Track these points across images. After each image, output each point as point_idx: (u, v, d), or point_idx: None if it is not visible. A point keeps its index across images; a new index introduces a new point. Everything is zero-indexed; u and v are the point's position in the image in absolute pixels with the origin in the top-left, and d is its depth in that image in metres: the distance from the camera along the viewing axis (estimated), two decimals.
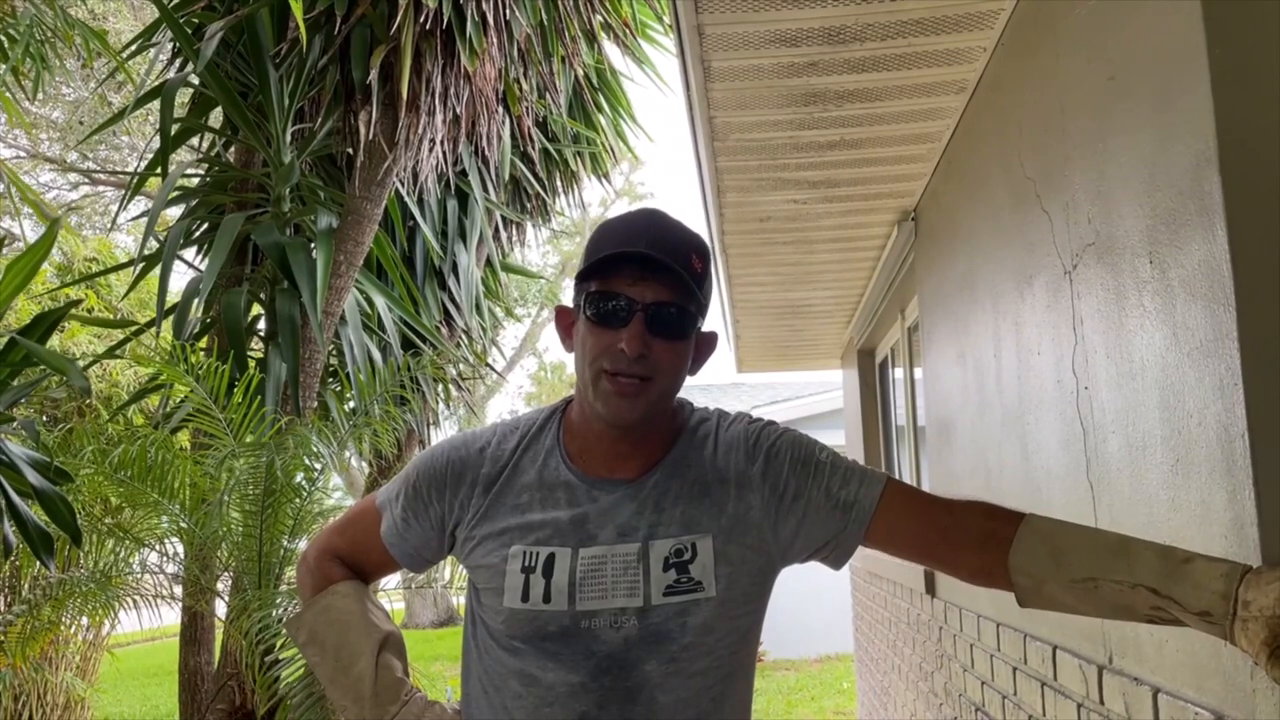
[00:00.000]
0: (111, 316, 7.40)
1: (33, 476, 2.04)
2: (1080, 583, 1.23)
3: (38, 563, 3.63)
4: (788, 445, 1.41)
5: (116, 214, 4.90)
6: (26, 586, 5.57)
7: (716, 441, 1.42)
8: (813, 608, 11.18)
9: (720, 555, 1.33)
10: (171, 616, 3.79)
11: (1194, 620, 1.15)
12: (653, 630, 1.29)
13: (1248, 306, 1.49)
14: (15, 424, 2.20)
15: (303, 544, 3.42)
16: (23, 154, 13.16)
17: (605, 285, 1.31)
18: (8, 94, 3.74)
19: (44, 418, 6.62)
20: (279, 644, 2.88)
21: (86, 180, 13.67)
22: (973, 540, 1.34)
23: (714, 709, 1.33)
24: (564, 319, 1.41)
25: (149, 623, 3.58)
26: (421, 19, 3.81)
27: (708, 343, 1.44)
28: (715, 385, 17.09)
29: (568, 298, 1.44)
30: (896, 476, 6.51)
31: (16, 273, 2.11)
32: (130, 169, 12.31)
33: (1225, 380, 1.53)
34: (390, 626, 1.49)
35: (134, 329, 4.76)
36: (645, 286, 1.30)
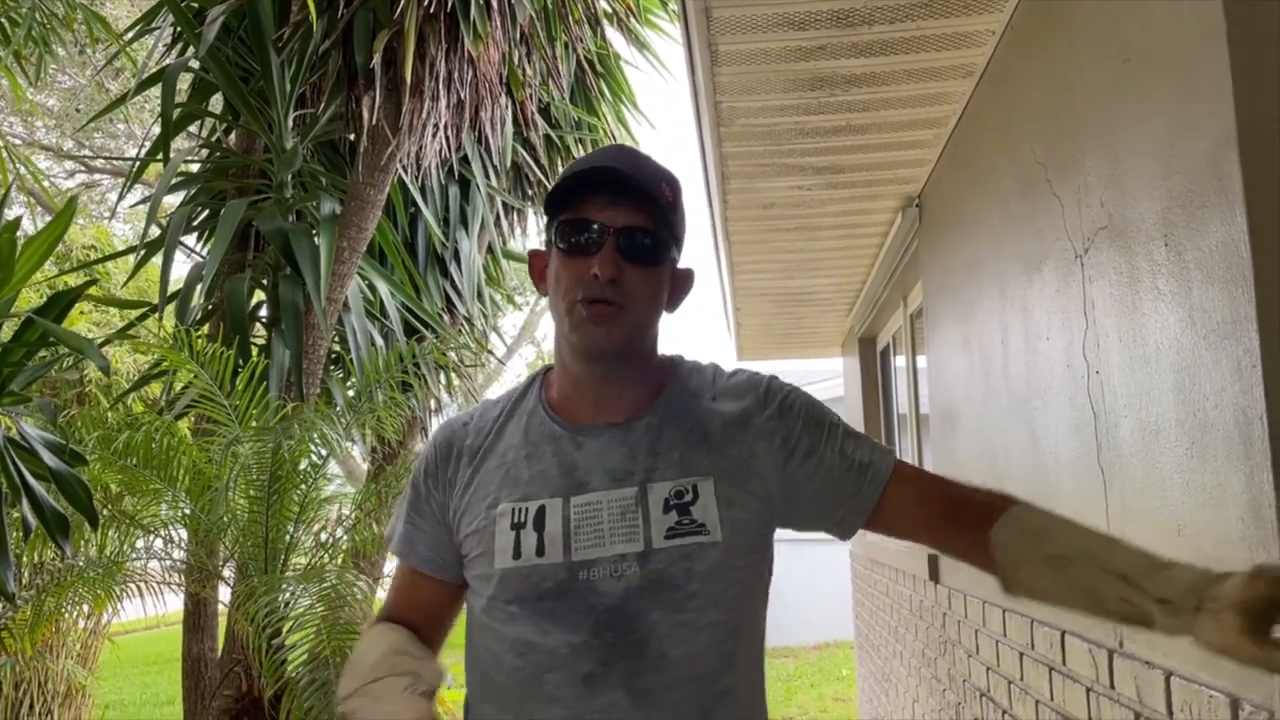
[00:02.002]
0: (117, 313, 7.39)
1: (49, 458, 2.02)
2: (1054, 559, 1.20)
3: (37, 553, 3.63)
4: (802, 402, 1.37)
5: (118, 201, 4.89)
6: (27, 575, 5.58)
7: (716, 387, 1.37)
8: (811, 596, 11.22)
9: (723, 498, 1.27)
10: (172, 604, 3.79)
11: (1155, 608, 1.12)
12: (655, 576, 1.23)
13: (1267, 288, 1.48)
14: (33, 403, 2.18)
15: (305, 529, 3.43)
16: (18, 141, 13.10)
17: (575, 214, 1.29)
18: (9, 74, 3.71)
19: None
20: (285, 629, 2.89)
21: (83, 168, 13.62)
22: (972, 516, 1.30)
23: (725, 667, 1.26)
24: (538, 261, 1.39)
25: (151, 610, 3.58)
26: (425, 3, 3.78)
27: (685, 279, 1.40)
28: None
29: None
30: None
31: (34, 250, 2.09)
32: (128, 156, 12.26)
33: (1243, 362, 1.52)
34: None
35: (141, 313, 4.74)
36: (616, 211, 1.27)
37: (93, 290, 6.05)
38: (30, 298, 6.34)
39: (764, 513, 1.31)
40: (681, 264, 1.41)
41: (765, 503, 1.31)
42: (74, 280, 7.61)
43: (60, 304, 2.26)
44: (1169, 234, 1.80)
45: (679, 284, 1.39)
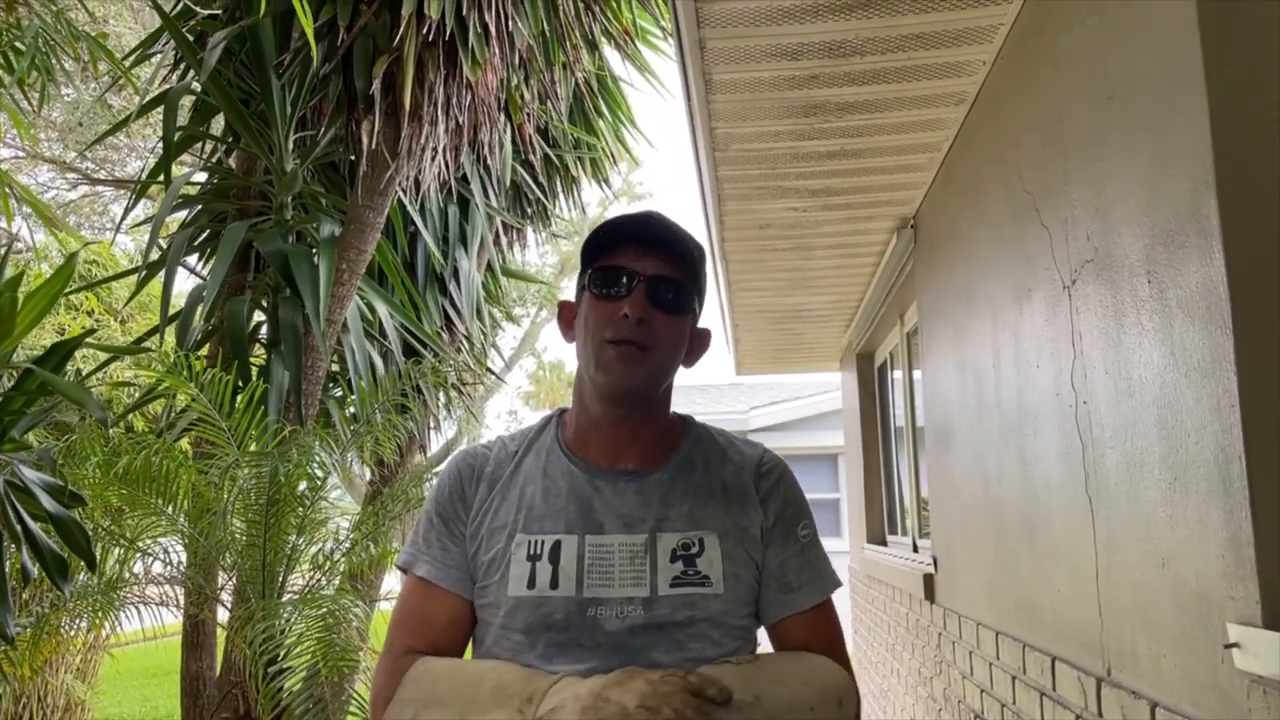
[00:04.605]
0: (119, 328, 7.43)
1: (47, 502, 2.05)
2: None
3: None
4: (782, 502, 1.45)
5: (120, 221, 4.91)
6: (27, 592, 5.59)
7: (725, 455, 1.47)
8: None
9: (727, 555, 1.36)
10: (170, 619, 3.80)
11: None
12: (658, 620, 1.31)
13: (1245, 329, 1.51)
14: (33, 450, 2.21)
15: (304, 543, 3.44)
16: (21, 154, 13.14)
17: (609, 261, 1.39)
18: (13, 106, 3.74)
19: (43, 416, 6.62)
20: (282, 654, 2.90)
21: (85, 180, 13.66)
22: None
23: None
24: (566, 312, 1.48)
25: (150, 623, 3.60)
26: (424, 30, 3.81)
27: (703, 339, 1.50)
28: (714, 386, 17.09)
29: (567, 296, 1.49)
30: (896, 481, 6.46)
31: (35, 304, 2.12)
32: (129, 169, 12.31)
33: (1223, 402, 1.55)
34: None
35: (140, 341, 4.78)
36: (647, 261, 1.38)
37: (92, 339, 6.09)
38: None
39: (755, 574, 1.41)
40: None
41: (756, 568, 1.41)
42: (76, 299, 7.64)
43: (60, 354, 2.29)
44: (1152, 271, 1.82)
45: (697, 342, 1.49)
